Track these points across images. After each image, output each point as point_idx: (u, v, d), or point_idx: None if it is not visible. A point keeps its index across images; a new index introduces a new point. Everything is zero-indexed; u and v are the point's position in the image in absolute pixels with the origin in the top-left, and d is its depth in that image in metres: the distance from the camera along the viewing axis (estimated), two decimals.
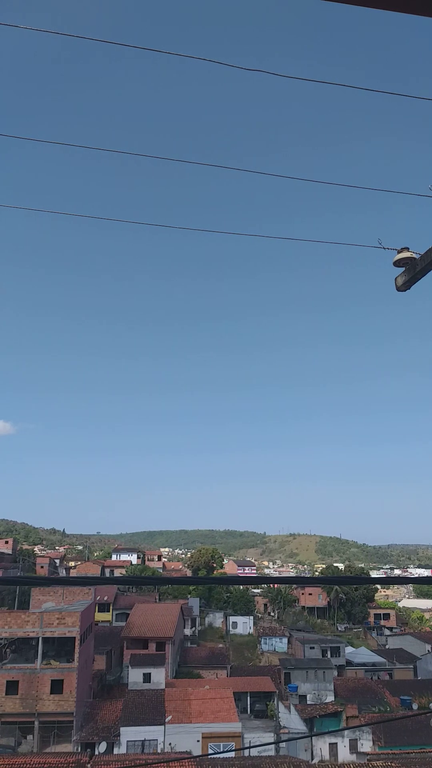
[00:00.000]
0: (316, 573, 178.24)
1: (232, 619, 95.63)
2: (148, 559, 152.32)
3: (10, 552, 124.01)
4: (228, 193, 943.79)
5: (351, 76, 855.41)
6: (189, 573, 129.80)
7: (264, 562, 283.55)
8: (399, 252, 6.72)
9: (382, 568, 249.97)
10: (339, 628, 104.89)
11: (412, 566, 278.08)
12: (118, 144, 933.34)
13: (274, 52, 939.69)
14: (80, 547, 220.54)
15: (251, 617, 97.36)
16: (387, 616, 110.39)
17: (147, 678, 55.21)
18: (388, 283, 6.93)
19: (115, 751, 42.95)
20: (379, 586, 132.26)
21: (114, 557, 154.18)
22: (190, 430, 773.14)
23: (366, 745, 47.98)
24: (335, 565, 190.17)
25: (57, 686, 45.80)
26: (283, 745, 46.48)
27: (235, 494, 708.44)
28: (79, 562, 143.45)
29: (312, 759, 47.75)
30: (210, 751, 42.44)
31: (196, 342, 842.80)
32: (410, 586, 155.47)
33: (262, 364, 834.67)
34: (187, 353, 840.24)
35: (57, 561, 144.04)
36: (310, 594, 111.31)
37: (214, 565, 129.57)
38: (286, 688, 61.32)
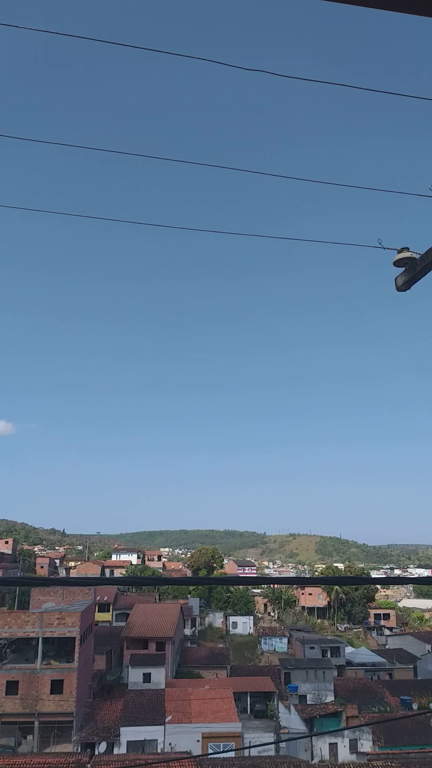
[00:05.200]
0: (316, 573, 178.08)
1: (232, 619, 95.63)
2: (148, 559, 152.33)
3: (10, 552, 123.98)
4: (228, 194, 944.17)
5: (351, 76, 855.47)
6: (189, 573, 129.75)
7: (264, 562, 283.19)
8: (399, 252, 6.71)
9: (382, 568, 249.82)
10: (339, 628, 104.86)
11: (412, 566, 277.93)
12: (118, 144, 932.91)
13: (274, 52, 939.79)
14: (80, 547, 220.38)
15: (251, 617, 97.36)
16: (387, 616, 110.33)
17: (147, 678, 55.25)
18: (388, 283, 6.94)
19: (115, 751, 42.94)
20: (379, 586, 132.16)
21: (114, 557, 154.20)
22: (190, 431, 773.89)
23: (366, 745, 47.98)
24: (335, 565, 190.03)
25: (57, 686, 45.79)
26: (283, 745, 46.45)
27: (235, 494, 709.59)
28: (79, 563, 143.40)
29: (312, 759, 47.73)
30: (210, 751, 42.43)
31: (197, 343, 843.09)
32: (410, 586, 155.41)
33: (263, 365, 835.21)
34: (188, 354, 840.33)
35: (57, 561, 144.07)
36: (310, 594, 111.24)
37: (214, 565, 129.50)
38: (286, 688, 61.31)
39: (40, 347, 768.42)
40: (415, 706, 55.76)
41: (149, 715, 45.28)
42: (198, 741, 43.40)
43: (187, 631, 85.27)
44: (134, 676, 55.98)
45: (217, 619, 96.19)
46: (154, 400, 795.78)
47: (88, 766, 34.09)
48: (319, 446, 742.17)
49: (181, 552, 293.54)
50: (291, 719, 52.25)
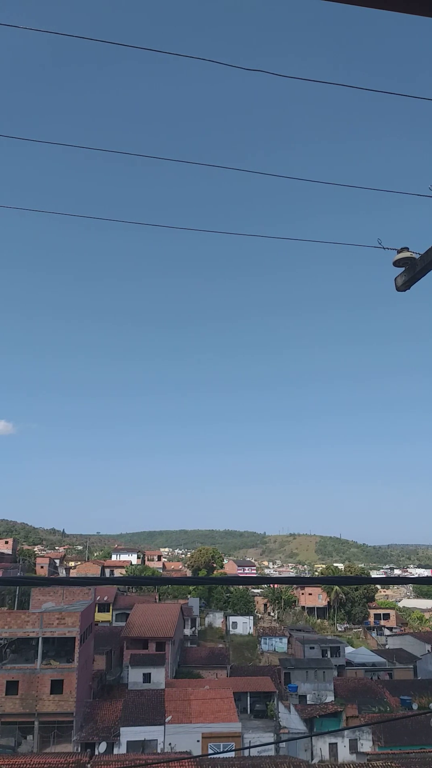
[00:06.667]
0: (316, 573, 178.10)
1: (232, 619, 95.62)
2: (148, 559, 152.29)
3: (10, 552, 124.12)
4: (228, 193, 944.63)
5: (351, 76, 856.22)
6: (189, 573, 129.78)
7: (264, 562, 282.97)
8: (399, 252, 6.71)
9: (382, 568, 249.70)
10: (339, 628, 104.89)
11: (412, 566, 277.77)
12: (118, 144, 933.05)
13: (274, 52, 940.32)
14: (80, 547, 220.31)
15: (251, 617, 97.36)
16: (387, 616, 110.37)
17: (147, 678, 55.24)
18: (388, 283, 6.94)
19: (115, 751, 42.94)
20: (379, 586, 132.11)
21: (114, 557, 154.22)
22: (190, 431, 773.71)
23: (366, 745, 47.96)
24: (335, 565, 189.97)
25: (57, 686, 45.80)
26: (283, 745, 46.46)
27: (235, 494, 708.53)
28: (79, 562, 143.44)
29: (312, 759, 47.73)
30: (210, 751, 42.44)
31: (197, 342, 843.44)
32: (410, 586, 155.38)
33: (262, 365, 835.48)
34: (187, 354, 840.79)
35: (57, 561, 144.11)
36: (310, 594, 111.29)
37: (214, 565, 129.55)
38: (286, 688, 61.32)
39: (40, 347, 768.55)
40: (415, 706, 55.75)
41: (149, 715, 45.29)
42: (198, 741, 43.40)
43: (187, 631, 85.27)
44: (134, 676, 55.98)
45: (217, 619, 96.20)
46: (154, 400, 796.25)
47: (88, 766, 34.09)
48: (320, 446, 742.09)
49: (181, 552, 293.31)
50: (291, 719, 52.25)
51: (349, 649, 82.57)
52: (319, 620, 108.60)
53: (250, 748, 36.53)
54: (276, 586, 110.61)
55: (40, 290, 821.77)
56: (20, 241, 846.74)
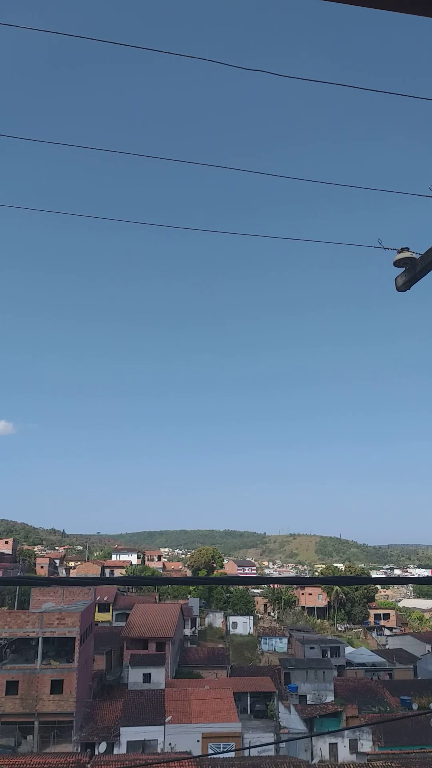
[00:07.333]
0: (316, 573, 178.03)
1: (232, 619, 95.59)
2: (148, 559, 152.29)
3: (10, 552, 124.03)
4: (228, 194, 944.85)
5: (352, 76, 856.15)
6: (189, 573, 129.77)
7: (264, 562, 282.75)
8: (399, 252, 6.71)
9: (382, 568, 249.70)
10: (339, 628, 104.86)
11: (412, 566, 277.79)
12: (119, 144, 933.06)
13: (274, 52, 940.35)
14: (80, 547, 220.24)
15: (251, 617, 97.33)
16: (387, 616, 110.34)
17: (147, 678, 55.25)
18: (388, 283, 6.94)
19: (115, 751, 42.94)
20: (379, 586, 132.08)
21: (114, 557, 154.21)
22: (190, 431, 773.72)
23: (366, 745, 47.96)
24: (335, 565, 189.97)
25: (57, 686, 45.78)
26: (283, 745, 46.47)
27: (235, 494, 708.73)
28: (79, 563, 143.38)
29: (312, 759, 47.73)
30: (210, 751, 42.44)
31: (197, 343, 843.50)
32: (410, 586, 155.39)
33: (263, 365, 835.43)
34: (187, 354, 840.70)
35: (57, 561, 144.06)
36: (310, 594, 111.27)
37: (214, 565, 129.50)
38: (286, 688, 61.30)
39: (41, 347, 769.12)
40: (415, 706, 55.75)
41: (149, 715, 45.28)
42: (198, 741, 43.40)
43: (187, 631, 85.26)
44: (134, 676, 55.98)
45: (217, 619, 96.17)
46: (153, 400, 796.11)
47: (88, 766, 34.09)
48: (320, 446, 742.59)
49: (181, 552, 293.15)
50: (291, 719, 52.24)
51: (349, 649, 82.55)
52: (319, 620, 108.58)
53: (250, 748, 36.55)
54: (276, 586, 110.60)
55: (39, 290, 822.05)
56: (20, 241, 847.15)
